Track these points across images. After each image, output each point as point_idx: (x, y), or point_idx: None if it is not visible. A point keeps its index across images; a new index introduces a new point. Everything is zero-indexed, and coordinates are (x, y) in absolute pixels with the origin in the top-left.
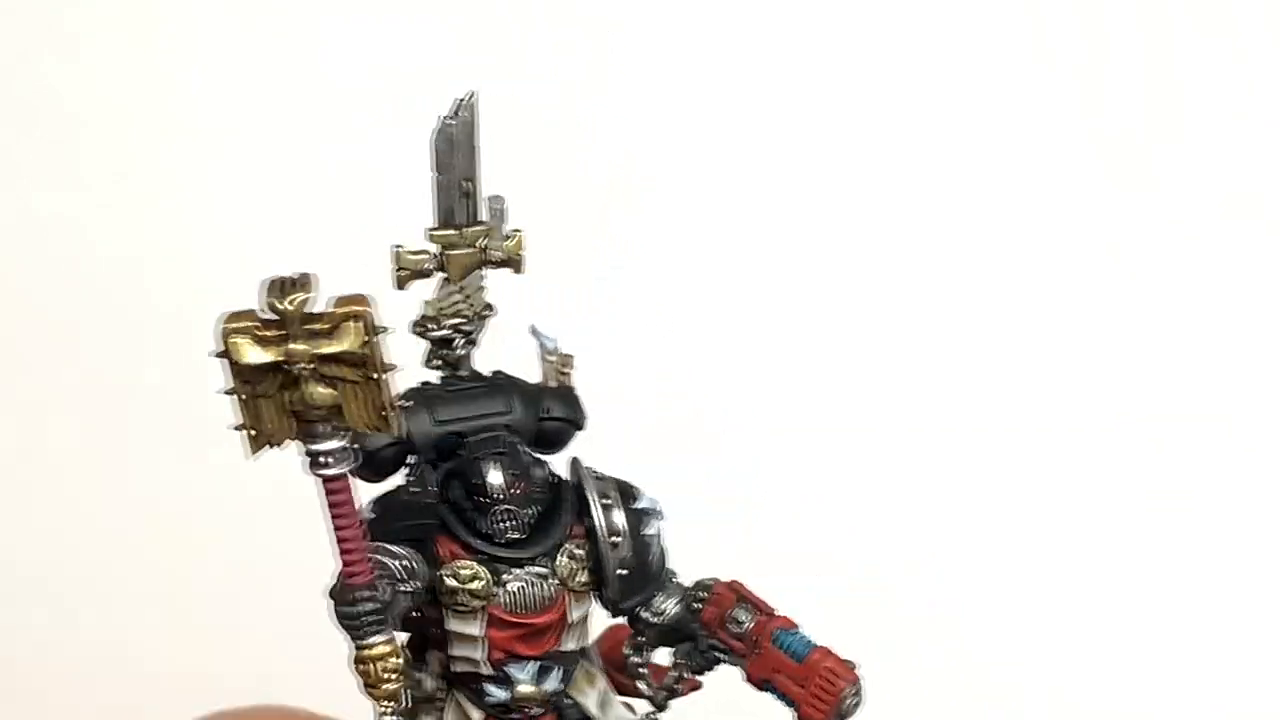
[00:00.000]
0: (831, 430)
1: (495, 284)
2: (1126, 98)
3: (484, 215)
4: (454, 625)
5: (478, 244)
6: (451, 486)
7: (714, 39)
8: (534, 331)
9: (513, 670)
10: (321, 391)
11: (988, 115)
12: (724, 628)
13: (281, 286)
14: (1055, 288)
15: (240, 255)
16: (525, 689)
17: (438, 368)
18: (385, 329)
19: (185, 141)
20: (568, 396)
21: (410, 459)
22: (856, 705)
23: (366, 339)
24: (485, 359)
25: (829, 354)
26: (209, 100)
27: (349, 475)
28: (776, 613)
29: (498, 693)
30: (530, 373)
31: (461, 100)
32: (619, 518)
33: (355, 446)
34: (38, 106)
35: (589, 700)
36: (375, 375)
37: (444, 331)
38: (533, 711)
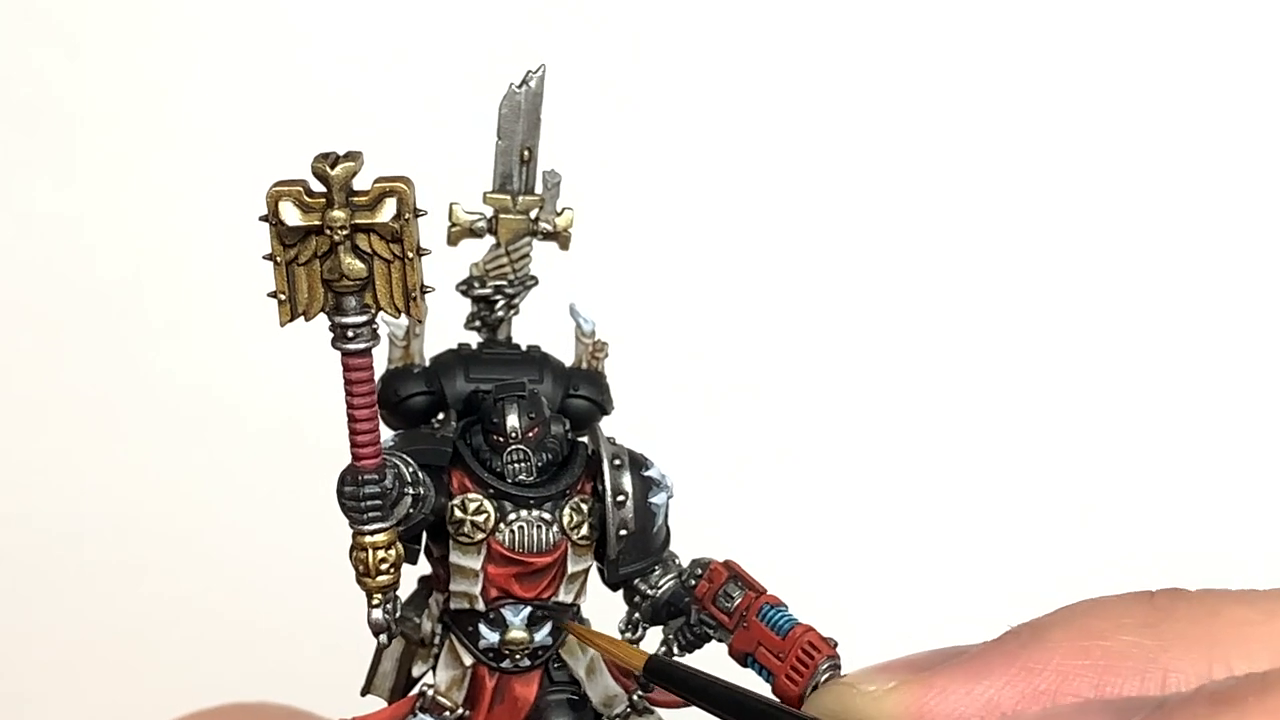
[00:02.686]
0: (832, 427)
1: (540, 268)
2: (1126, 98)
3: (539, 189)
4: (456, 558)
5: (530, 214)
6: (471, 432)
7: (726, 28)
8: (573, 311)
9: (506, 613)
10: (355, 264)
11: (988, 114)
12: (714, 602)
13: (330, 156)
14: (1055, 287)
15: (239, 255)
16: (516, 634)
17: (477, 329)
18: (422, 211)
19: (185, 142)
20: (597, 380)
21: (439, 417)
22: (833, 681)
23: (403, 216)
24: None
25: (829, 352)
26: (209, 100)
27: (370, 355)
28: (766, 591)
29: (489, 634)
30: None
31: (531, 71)
32: (626, 479)
33: (377, 327)
34: (38, 107)
35: (579, 665)
36: (408, 255)
37: (486, 290)
38: (521, 662)
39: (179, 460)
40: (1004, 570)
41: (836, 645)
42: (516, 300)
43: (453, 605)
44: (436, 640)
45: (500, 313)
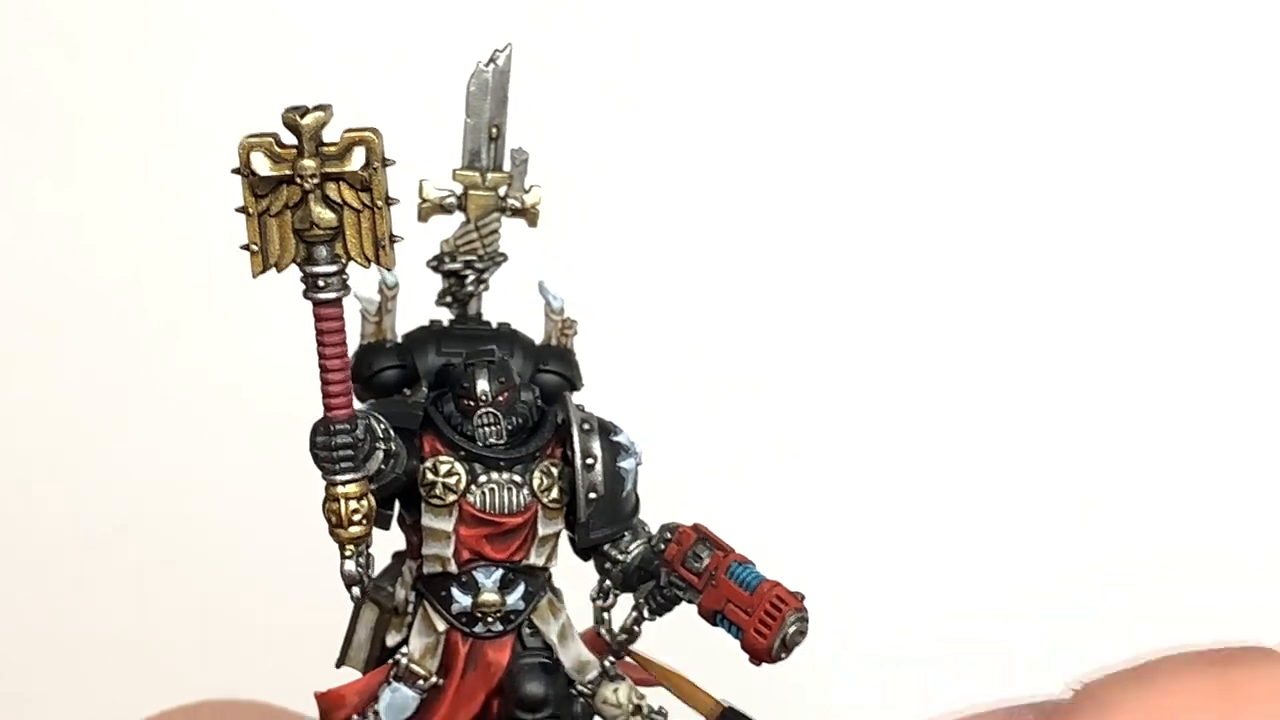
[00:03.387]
0: (834, 424)
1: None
2: (1127, 98)
3: (506, 166)
4: (428, 520)
5: (498, 190)
6: (443, 400)
7: (726, 28)
8: (542, 288)
9: (479, 575)
10: (325, 213)
11: (988, 114)
12: (684, 564)
13: (300, 109)
14: (1056, 283)
15: (239, 255)
16: (488, 596)
17: (448, 305)
18: (390, 161)
19: (185, 142)
20: (566, 356)
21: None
22: (801, 634)
23: (372, 164)
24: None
25: (831, 349)
26: (209, 100)
27: (341, 305)
28: (734, 551)
29: (462, 598)
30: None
31: (498, 49)
32: (596, 444)
33: (347, 277)
34: (38, 107)
35: (550, 629)
36: (377, 204)
37: (457, 265)
38: (493, 626)
39: (179, 459)
40: (1006, 566)
41: (804, 598)
42: (486, 275)
43: (426, 570)
44: (410, 608)
45: (470, 288)
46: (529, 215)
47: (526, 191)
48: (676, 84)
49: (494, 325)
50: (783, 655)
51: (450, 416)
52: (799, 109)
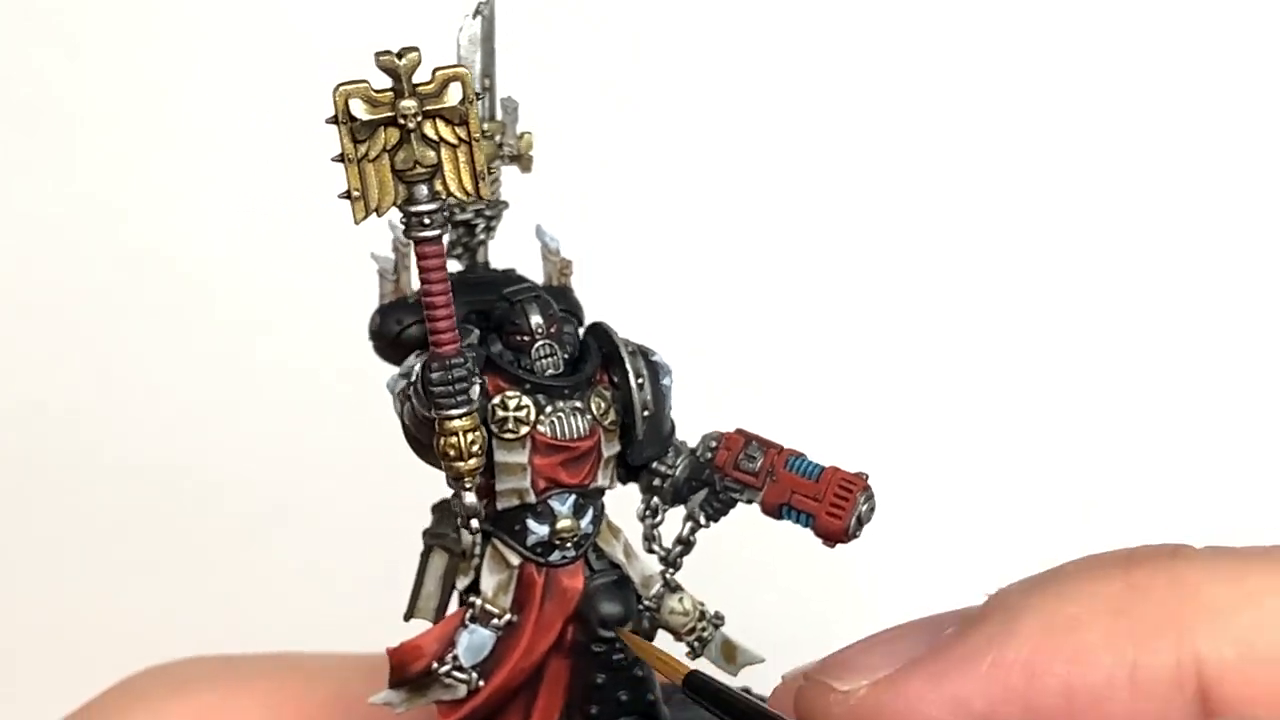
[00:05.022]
0: (834, 424)
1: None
2: (1126, 97)
3: (498, 115)
4: (501, 456)
5: (495, 139)
6: (488, 341)
7: (726, 28)
8: (539, 231)
9: (553, 503)
10: (427, 151)
11: (988, 112)
12: (737, 467)
13: (392, 51)
14: (1057, 282)
15: (240, 256)
16: (565, 522)
17: (458, 256)
18: (481, 95)
19: (185, 142)
20: (567, 295)
21: None
22: (871, 510)
23: (468, 98)
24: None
25: (831, 349)
26: (209, 100)
27: (443, 242)
28: (785, 447)
29: (539, 528)
30: None
31: (483, 2)
32: (641, 364)
33: (448, 213)
34: (38, 107)
35: (616, 550)
36: (474, 137)
37: (467, 215)
38: (568, 553)
39: (175, 459)
40: (1006, 565)
41: (868, 477)
42: (494, 223)
43: (500, 505)
44: (477, 550)
45: (480, 236)
46: (523, 161)
47: (519, 138)
48: (676, 84)
49: (501, 270)
50: (857, 534)
51: (502, 355)
52: (799, 109)
